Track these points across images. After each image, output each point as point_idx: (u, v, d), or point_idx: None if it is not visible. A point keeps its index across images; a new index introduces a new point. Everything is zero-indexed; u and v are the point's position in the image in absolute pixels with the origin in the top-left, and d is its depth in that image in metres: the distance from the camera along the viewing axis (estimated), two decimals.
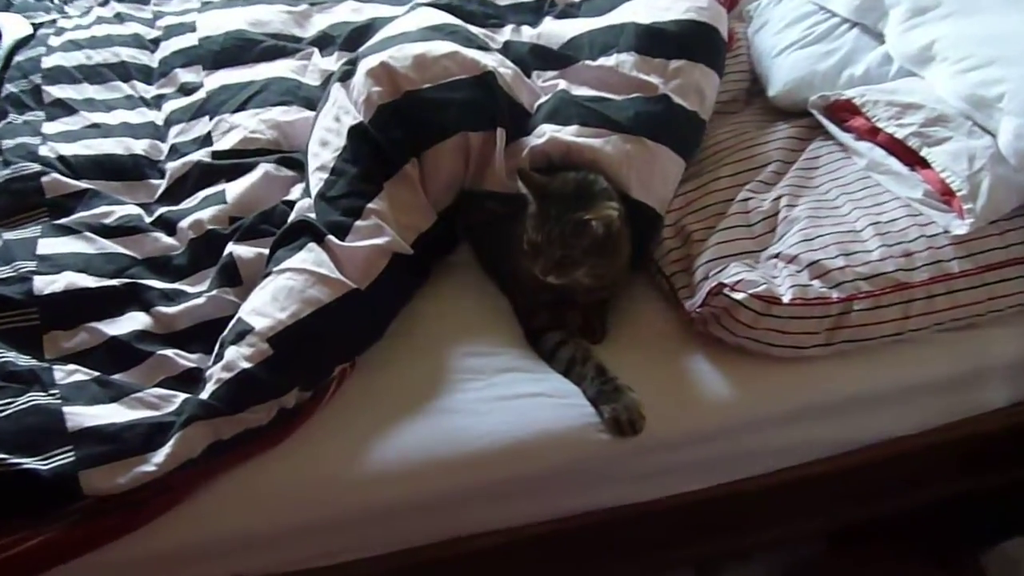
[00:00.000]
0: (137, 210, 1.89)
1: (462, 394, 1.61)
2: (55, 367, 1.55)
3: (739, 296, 1.61)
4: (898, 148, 1.84)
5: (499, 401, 1.59)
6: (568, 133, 1.81)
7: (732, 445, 1.66)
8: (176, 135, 2.10)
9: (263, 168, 1.91)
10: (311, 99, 2.08)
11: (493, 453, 1.53)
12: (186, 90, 2.24)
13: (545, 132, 1.82)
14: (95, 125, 2.12)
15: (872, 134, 1.89)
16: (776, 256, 1.72)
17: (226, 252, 1.73)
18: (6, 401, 1.46)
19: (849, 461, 1.73)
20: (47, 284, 1.66)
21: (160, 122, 2.17)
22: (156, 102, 2.25)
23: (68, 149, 2.00)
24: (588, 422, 1.57)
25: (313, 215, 1.72)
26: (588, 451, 1.56)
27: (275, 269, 1.64)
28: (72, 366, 1.55)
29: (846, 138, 1.94)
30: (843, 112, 1.96)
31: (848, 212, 1.79)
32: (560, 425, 1.56)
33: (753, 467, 1.70)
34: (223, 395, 1.47)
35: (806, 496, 1.77)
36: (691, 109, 1.90)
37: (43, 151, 1.98)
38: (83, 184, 1.91)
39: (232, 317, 1.60)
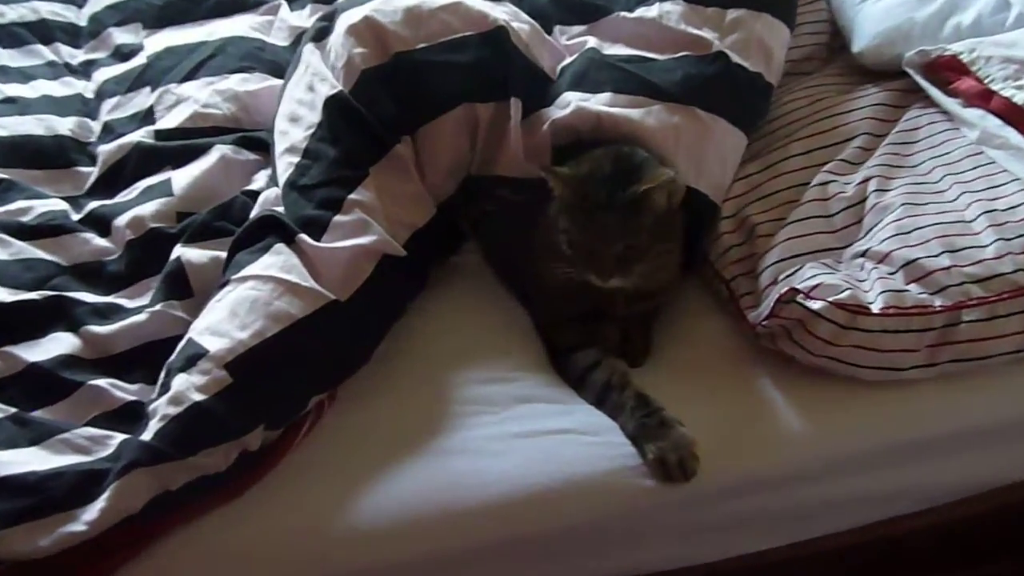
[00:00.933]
0: (62, 205, 1.90)
1: (470, 431, 1.62)
2: None
3: (817, 305, 1.61)
4: (1018, 116, 1.85)
5: (516, 439, 1.60)
6: (599, 102, 1.81)
7: (808, 494, 1.66)
8: (110, 111, 2.12)
9: (219, 151, 1.92)
10: (278, 64, 2.09)
11: (509, 504, 1.54)
12: (122, 54, 2.27)
13: (570, 101, 1.83)
14: (9, 99, 2.14)
15: (985, 99, 1.90)
16: (863, 254, 1.72)
17: (172, 257, 1.75)
18: None
19: (956, 513, 1.73)
20: None
21: (90, 94, 2.20)
22: (85, 70, 2.27)
23: None
24: (627, 464, 1.58)
25: (281, 209, 1.73)
26: (627, 501, 1.57)
27: (234, 277, 1.65)
28: None
29: (952, 104, 1.94)
30: (948, 71, 1.97)
31: (955, 198, 1.80)
32: (592, 468, 1.57)
33: (835, 522, 1.71)
34: (170, 435, 1.48)
35: (901, 558, 1.78)
36: (754, 71, 1.91)
37: None
38: None
39: (180, 338, 1.61)
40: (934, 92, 1.97)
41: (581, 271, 1.64)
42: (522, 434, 1.61)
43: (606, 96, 1.82)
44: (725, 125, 1.84)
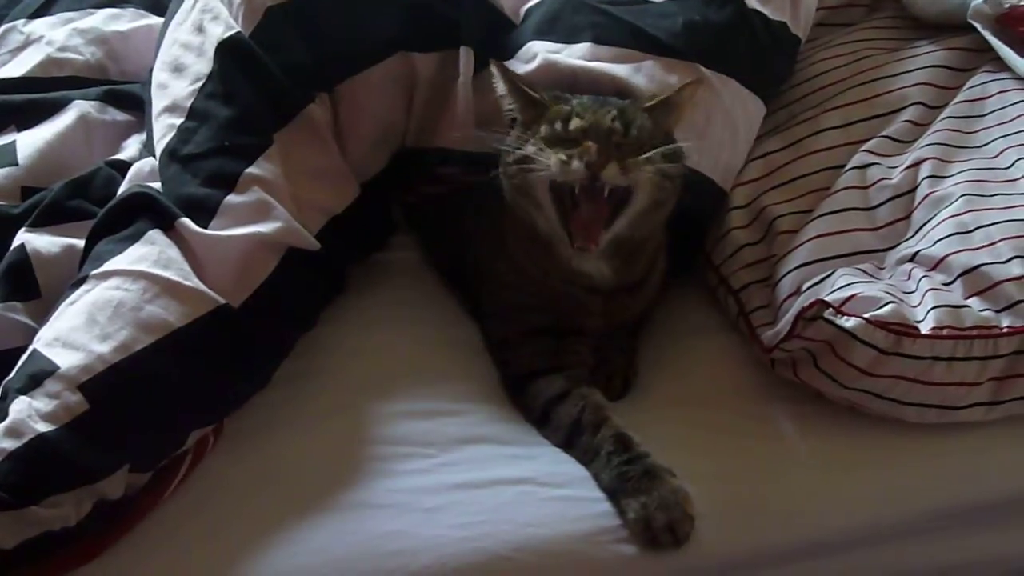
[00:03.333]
0: None
1: (396, 479, 1.61)
2: None
3: (850, 323, 1.61)
4: None
5: (457, 491, 1.60)
6: (574, 55, 1.82)
7: (835, 569, 1.65)
8: None
9: (77, 108, 1.93)
10: None
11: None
12: None
13: (537, 53, 1.84)
14: None
15: None
16: (912, 258, 1.73)
17: (14, 244, 1.74)
18: None
19: None
20: None
21: None
22: None
23: None
24: (601, 526, 1.56)
25: (158, 185, 1.73)
26: (601, 574, 1.55)
27: (93, 272, 1.64)
28: None
29: None
30: None
31: None
32: (555, 531, 1.56)
33: None
34: (5, 476, 1.46)
35: None
36: (776, 19, 1.92)
37: None
38: None
39: (22, 350, 1.60)
40: (1007, 52, 1.98)
41: (558, 163, 1.59)
42: (465, 485, 1.60)
43: (583, 47, 1.83)
44: (737, 88, 1.85)
